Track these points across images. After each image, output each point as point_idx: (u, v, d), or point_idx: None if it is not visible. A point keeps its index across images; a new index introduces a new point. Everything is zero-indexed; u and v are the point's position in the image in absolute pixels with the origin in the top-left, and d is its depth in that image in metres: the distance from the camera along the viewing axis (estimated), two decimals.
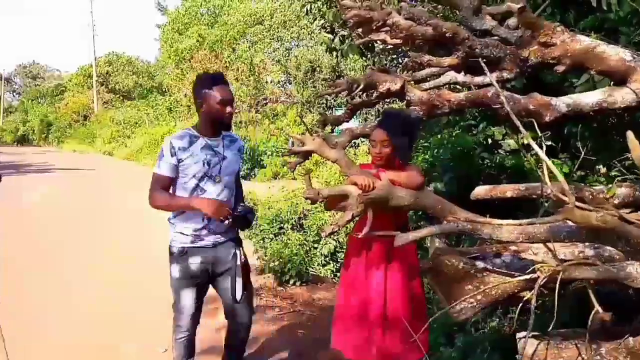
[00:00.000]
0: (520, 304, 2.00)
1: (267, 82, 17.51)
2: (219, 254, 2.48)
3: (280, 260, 4.44)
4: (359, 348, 2.44)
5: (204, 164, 2.37)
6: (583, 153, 3.82)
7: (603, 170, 4.39)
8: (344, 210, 1.82)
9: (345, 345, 2.47)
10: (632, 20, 3.51)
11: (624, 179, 3.02)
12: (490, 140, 4.37)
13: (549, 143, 4.41)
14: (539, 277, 1.62)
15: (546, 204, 2.65)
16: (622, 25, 3.54)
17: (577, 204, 1.56)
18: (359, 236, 1.79)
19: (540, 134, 2.16)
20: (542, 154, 1.69)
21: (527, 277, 1.66)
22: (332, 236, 4.45)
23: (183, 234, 2.43)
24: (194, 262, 2.43)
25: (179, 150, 2.35)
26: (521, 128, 1.80)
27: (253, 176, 12.78)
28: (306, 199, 1.87)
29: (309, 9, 4.86)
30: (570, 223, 1.67)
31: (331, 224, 1.81)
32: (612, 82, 3.02)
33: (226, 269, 2.50)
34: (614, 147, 4.06)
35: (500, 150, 4.56)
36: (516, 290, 1.94)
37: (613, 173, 4.01)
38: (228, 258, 2.50)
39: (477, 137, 4.35)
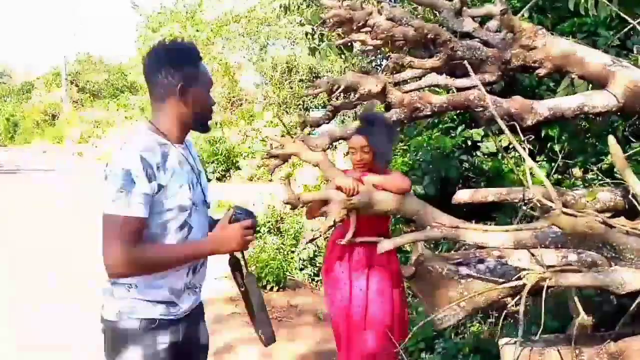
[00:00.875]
0: (505, 311, 1.98)
1: (242, 82, 17.35)
2: (196, 324, 1.72)
3: (257, 265, 4.35)
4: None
5: (190, 187, 1.56)
6: (560, 156, 3.86)
7: (578, 173, 4.46)
8: (325, 216, 1.76)
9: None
10: (611, 24, 3.56)
11: (602, 182, 3.05)
12: (469, 143, 4.38)
13: (522, 146, 4.45)
14: (525, 284, 1.58)
15: (524, 207, 2.65)
16: (600, 29, 3.59)
17: (563, 209, 1.54)
18: (342, 242, 1.73)
19: (523, 138, 2.14)
20: (528, 159, 1.66)
21: (513, 284, 1.63)
22: (311, 242, 4.39)
23: (149, 301, 1.53)
24: (163, 342, 1.54)
25: (157, 171, 1.46)
26: (507, 132, 1.77)
27: (228, 178, 12.62)
28: (286, 204, 1.79)
29: (287, 5, 4.76)
30: (555, 228, 1.65)
31: (312, 230, 1.74)
32: (590, 86, 3.06)
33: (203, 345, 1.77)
34: (589, 150, 4.12)
35: (478, 153, 4.58)
36: (501, 297, 1.91)
37: (589, 176, 4.07)
38: (205, 332, 1.79)
39: (456, 140, 4.35)
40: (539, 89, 4.26)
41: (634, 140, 3.51)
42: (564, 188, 2.42)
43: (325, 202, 1.77)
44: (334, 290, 2.45)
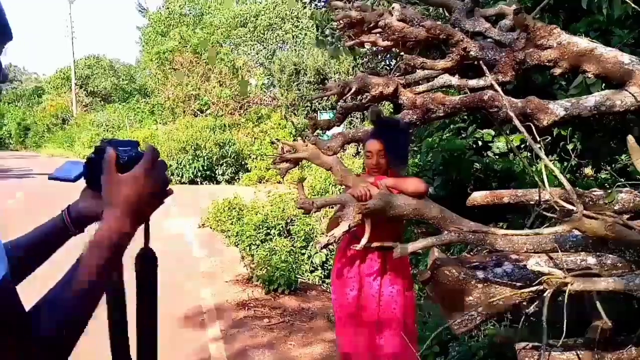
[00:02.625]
0: (523, 318, 1.94)
1: (250, 84, 17.37)
2: None
3: (269, 268, 4.32)
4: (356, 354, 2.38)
5: None
6: (573, 156, 3.80)
7: (589, 172, 4.39)
8: (340, 221, 1.73)
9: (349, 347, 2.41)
10: (625, 22, 3.49)
11: (617, 183, 3.00)
12: (480, 143, 4.34)
13: (537, 146, 4.40)
14: (546, 289, 1.55)
15: (538, 209, 2.60)
16: (614, 27, 3.53)
17: (585, 212, 1.50)
18: (357, 248, 1.71)
19: (539, 138, 2.11)
20: (546, 161, 1.63)
21: (533, 289, 1.59)
22: (326, 248, 4.36)
23: None
24: None
25: None
26: (524, 131, 1.74)
27: (237, 180, 12.63)
28: (299, 208, 1.77)
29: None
30: (576, 232, 1.61)
31: (327, 235, 1.72)
32: (603, 85, 3.00)
33: None
34: (603, 149, 4.06)
35: (489, 153, 4.53)
36: (519, 301, 1.88)
37: (603, 175, 4.01)
38: None
39: (466, 140, 4.31)
40: (552, 88, 4.20)
41: None
42: (580, 190, 2.37)
43: (340, 207, 1.74)
44: (342, 295, 2.42)
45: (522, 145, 4.29)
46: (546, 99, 2.30)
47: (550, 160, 4.32)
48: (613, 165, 3.81)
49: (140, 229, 0.87)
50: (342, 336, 2.45)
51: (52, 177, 0.99)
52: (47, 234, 0.98)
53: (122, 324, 0.91)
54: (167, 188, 0.90)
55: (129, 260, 0.88)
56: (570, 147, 4.00)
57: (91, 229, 0.85)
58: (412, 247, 1.62)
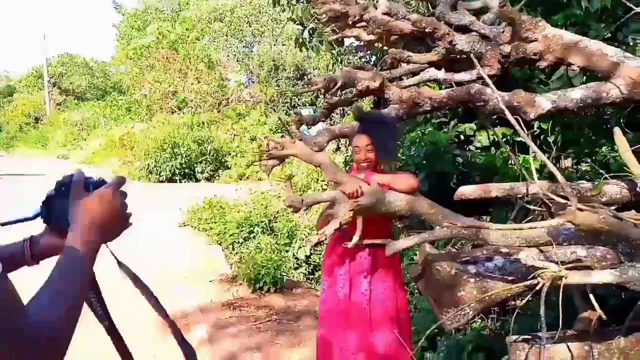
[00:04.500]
0: (516, 311, 1.93)
1: (228, 80, 17.18)
2: None
3: (254, 266, 4.27)
4: (344, 353, 2.34)
5: None
6: (554, 148, 3.84)
7: (568, 164, 4.45)
8: (330, 219, 1.70)
9: (331, 350, 2.36)
10: (602, 16, 3.53)
11: (597, 175, 3.03)
12: (462, 137, 4.35)
13: (518, 139, 4.44)
14: (539, 283, 1.54)
15: (520, 201, 2.61)
16: (591, 21, 3.56)
17: (579, 205, 1.49)
18: (349, 246, 1.67)
19: (527, 132, 2.10)
20: (540, 154, 1.62)
21: (528, 283, 1.58)
22: (316, 246, 4.33)
23: None
24: None
25: None
26: (516, 125, 1.73)
27: (217, 178, 12.49)
28: (288, 206, 1.73)
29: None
30: (568, 225, 1.61)
31: (318, 233, 1.68)
32: (584, 78, 3.03)
33: None
34: (583, 141, 4.11)
35: (471, 147, 4.55)
36: (510, 295, 1.87)
37: (583, 167, 4.06)
38: None
39: (449, 134, 4.32)
40: (530, 82, 4.23)
41: (629, 131, 3.49)
42: (569, 183, 2.38)
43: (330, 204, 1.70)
44: (332, 293, 2.39)
45: (504, 140, 4.32)
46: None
47: (531, 154, 4.36)
48: (593, 158, 3.86)
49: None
50: (325, 333, 2.41)
51: (6, 223, 0.95)
52: (7, 257, 0.95)
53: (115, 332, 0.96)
54: (129, 219, 0.94)
55: None
56: (551, 139, 4.04)
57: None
58: (404, 243, 1.59)
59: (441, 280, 1.88)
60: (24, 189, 11.90)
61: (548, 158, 4.10)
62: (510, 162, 4.20)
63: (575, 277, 1.49)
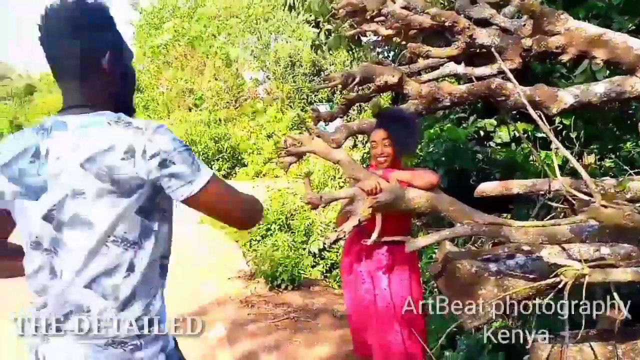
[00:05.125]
0: (538, 311, 1.90)
1: (244, 78, 17.23)
2: None
3: (272, 264, 4.28)
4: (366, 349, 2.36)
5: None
6: (577, 144, 3.76)
7: (591, 160, 4.36)
8: (349, 215, 1.69)
9: (364, 347, 2.38)
10: (625, 8, 3.45)
11: (622, 171, 2.97)
12: (482, 133, 4.29)
13: (540, 134, 4.36)
14: (562, 281, 1.51)
15: (542, 198, 2.56)
16: (614, 13, 3.48)
17: (603, 202, 1.46)
18: (368, 243, 1.66)
19: (549, 127, 2.06)
20: (562, 149, 1.58)
21: (550, 281, 1.55)
22: (335, 244, 4.32)
23: None
24: None
25: None
26: (537, 119, 1.69)
27: (234, 175, 12.56)
28: (307, 204, 1.72)
29: (291, 3, 4.63)
30: (592, 222, 1.57)
31: (336, 230, 1.67)
32: (607, 72, 2.96)
33: None
34: (607, 137, 4.02)
35: (491, 143, 4.49)
36: (532, 293, 1.84)
37: (607, 163, 3.97)
38: None
39: (468, 130, 4.26)
40: (552, 76, 4.16)
41: None
42: (593, 179, 2.34)
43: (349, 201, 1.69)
44: (354, 290, 2.39)
45: (525, 136, 4.25)
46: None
47: (554, 150, 4.29)
48: (617, 154, 3.78)
49: None
50: (358, 333, 2.42)
51: None
52: None
53: None
54: None
55: None
56: (573, 135, 3.97)
57: None
58: (424, 241, 1.57)
59: (461, 278, 1.85)
60: None
61: (571, 154, 4.04)
62: (531, 158, 4.13)
63: (597, 276, 1.46)
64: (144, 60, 20.79)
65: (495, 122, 4.29)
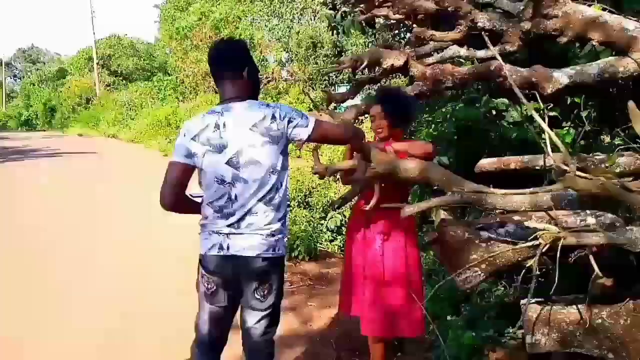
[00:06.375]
0: (523, 271, 2.07)
1: (267, 60, 17.38)
2: None
3: (289, 237, 4.54)
4: (359, 307, 2.56)
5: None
6: (587, 123, 3.84)
7: (606, 139, 4.41)
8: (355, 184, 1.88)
9: (349, 305, 2.59)
10: None
11: (627, 147, 3.05)
12: (494, 112, 4.38)
13: (552, 114, 4.42)
14: (540, 243, 1.68)
15: (547, 174, 2.69)
16: None
17: (578, 172, 1.61)
18: (366, 208, 1.86)
19: (542, 106, 2.19)
20: (544, 125, 1.74)
21: (529, 244, 1.72)
22: (338, 210, 4.53)
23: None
24: None
25: None
26: (523, 100, 1.84)
27: None
28: (314, 174, 1.93)
29: None
30: (571, 191, 1.73)
31: (339, 198, 1.88)
32: (613, 52, 3.03)
33: None
34: (617, 116, 4.07)
35: (503, 122, 4.57)
36: (520, 258, 2.00)
37: (617, 142, 4.03)
38: None
39: (480, 110, 4.36)
40: (566, 57, 4.20)
41: None
42: (583, 154, 2.46)
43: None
44: (349, 251, 2.62)
45: (538, 114, 4.31)
46: (562, 68, 2.37)
47: (565, 127, 4.35)
48: (627, 132, 3.84)
49: None
50: (346, 292, 2.63)
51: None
52: None
53: None
54: None
55: None
56: (584, 114, 4.03)
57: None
58: (417, 207, 1.76)
59: (455, 244, 2.04)
60: (76, 165, 12.66)
61: (581, 132, 4.11)
62: (542, 137, 4.20)
63: (572, 239, 1.62)
64: (171, 42, 21.11)
65: (507, 102, 4.37)
